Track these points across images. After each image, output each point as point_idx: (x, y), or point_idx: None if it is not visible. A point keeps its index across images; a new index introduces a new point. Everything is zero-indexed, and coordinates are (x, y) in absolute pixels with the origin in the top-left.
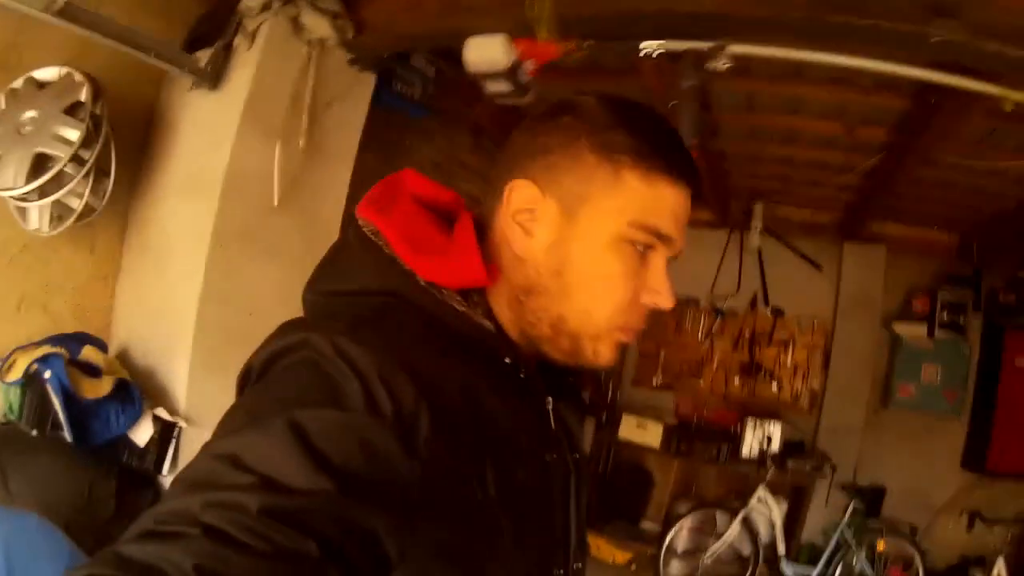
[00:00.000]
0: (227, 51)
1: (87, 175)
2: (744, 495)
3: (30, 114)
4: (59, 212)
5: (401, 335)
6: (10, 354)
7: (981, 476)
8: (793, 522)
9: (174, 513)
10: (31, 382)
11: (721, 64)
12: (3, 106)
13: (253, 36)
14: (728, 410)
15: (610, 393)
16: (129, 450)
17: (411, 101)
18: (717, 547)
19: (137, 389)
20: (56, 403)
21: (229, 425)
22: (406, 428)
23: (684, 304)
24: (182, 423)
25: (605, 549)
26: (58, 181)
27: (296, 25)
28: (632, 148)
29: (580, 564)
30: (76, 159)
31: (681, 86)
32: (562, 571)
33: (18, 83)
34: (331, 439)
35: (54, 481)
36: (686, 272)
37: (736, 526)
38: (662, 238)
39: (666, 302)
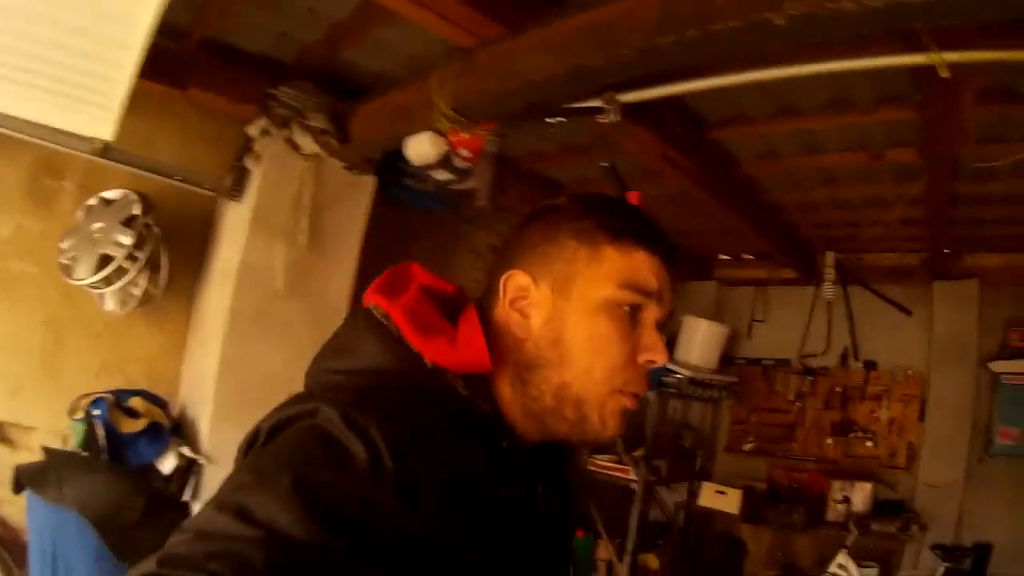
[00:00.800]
0: (243, 171)
1: (142, 269)
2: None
3: (98, 224)
4: (124, 298)
5: (405, 409)
6: (79, 399)
7: None
8: None
9: (179, 559)
10: (86, 418)
11: (611, 117)
12: (83, 217)
13: (258, 157)
14: (820, 473)
15: (698, 461)
16: (159, 476)
17: (425, 195)
18: None
19: (167, 430)
20: (100, 433)
21: (236, 481)
22: (409, 493)
23: (774, 367)
24: (202, 460)
25: None
26: (120, 274)
27: (292, 144)
28: (605, 228)
29: None
30: (131, 257)
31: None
32: None
33: (93, 201)
34: (336, 498)
35: (95, 492)
36: (774, 334)
37: None
38: (648, 295)
39: (660, 357)
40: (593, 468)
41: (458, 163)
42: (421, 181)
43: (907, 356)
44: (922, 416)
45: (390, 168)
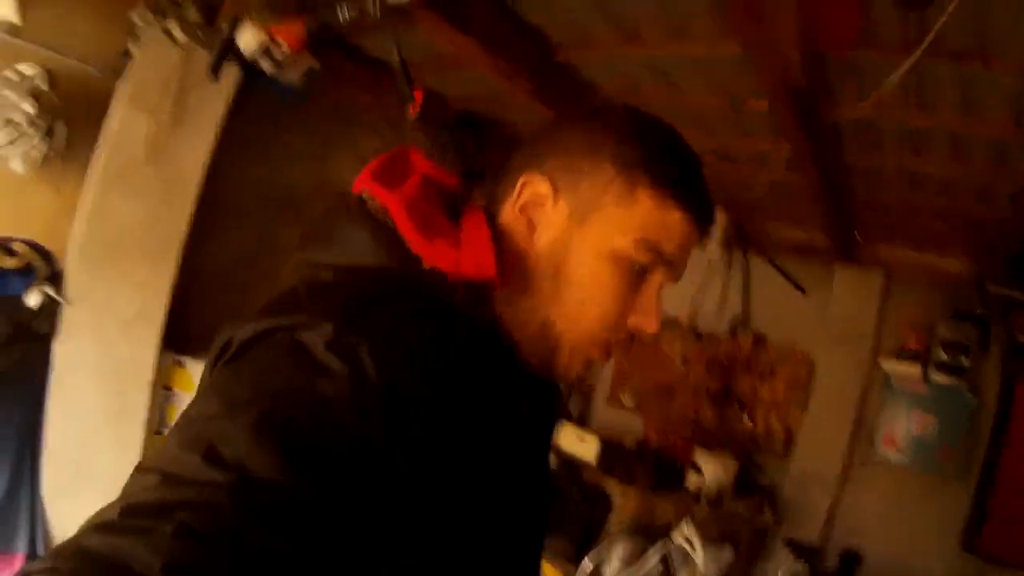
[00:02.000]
0: (128, 55)
1: (45, 135)
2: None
3: (7, 93)
4: (26, 159)
5: (398, 325)
6: None
7: (983, 562)
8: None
9: (143, 506)
10: None
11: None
12: None
13: (137, 41)
14: (690, 440)
15: (579, 409)
16: (27, 311)
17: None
18: None
19: (39, 270)
20: None
21: (204, 409)
22: (397, 424)
23: (663, 324)
24: (60, 300)
25: (548, 570)
26: (22, 138)
27: (167, 32)
28: (651, 168)
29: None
30: (33, 124)
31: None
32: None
33: (7, 73)
34: (313, 435)
35: None
36: (666, 290)
37: (651, 561)
38: (664, 262)
39: (651, 326)
40: None
41: (277, 55)
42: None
43: (799, 337)
44: (806, 404)
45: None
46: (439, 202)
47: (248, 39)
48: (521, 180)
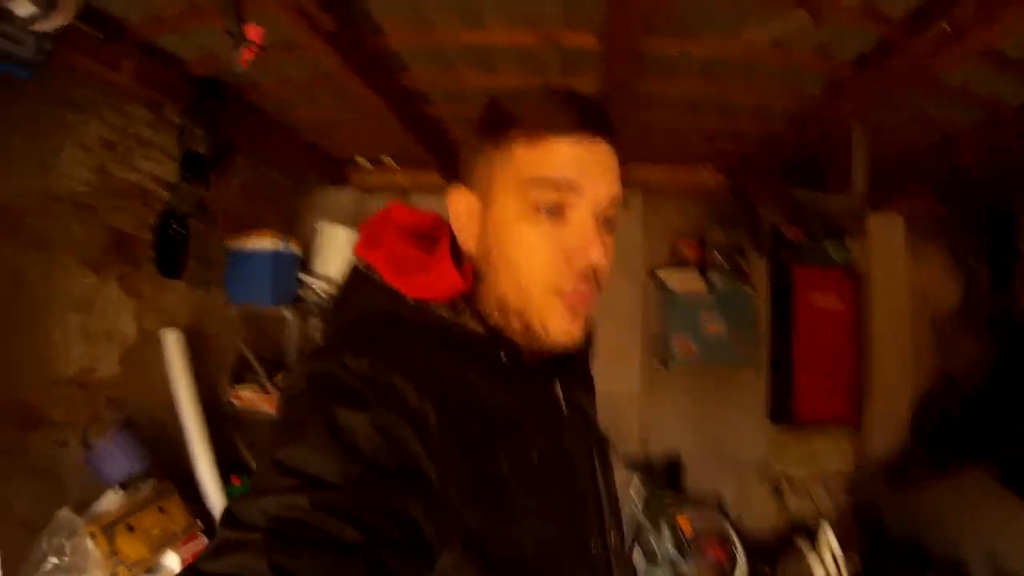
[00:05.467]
0: None
1: None
2: None
3: None
4: None
5: (399, 347)
6: None
7: (790, 428)
8: None
9: (237, 524)
10: None
11: None
12: None
13: None
14: None
15: None
16: None
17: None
18: None
19: None
20: None
21: (274, 443)
22: (417, 420)
23: None
24: None
25: None
26: None
27: None
28: (514, 121)
29: (616, 534)
30: None
31: None
32: (600, 540)
33: None
34: (357, 434)
35: None
36: None
37: None
38: (563, 187)
39: (594, 255)
40: (236, 401)
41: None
42: (15, 42)
43: None
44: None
45: None
46: (415, 243)
47: None
48: (447, 200)
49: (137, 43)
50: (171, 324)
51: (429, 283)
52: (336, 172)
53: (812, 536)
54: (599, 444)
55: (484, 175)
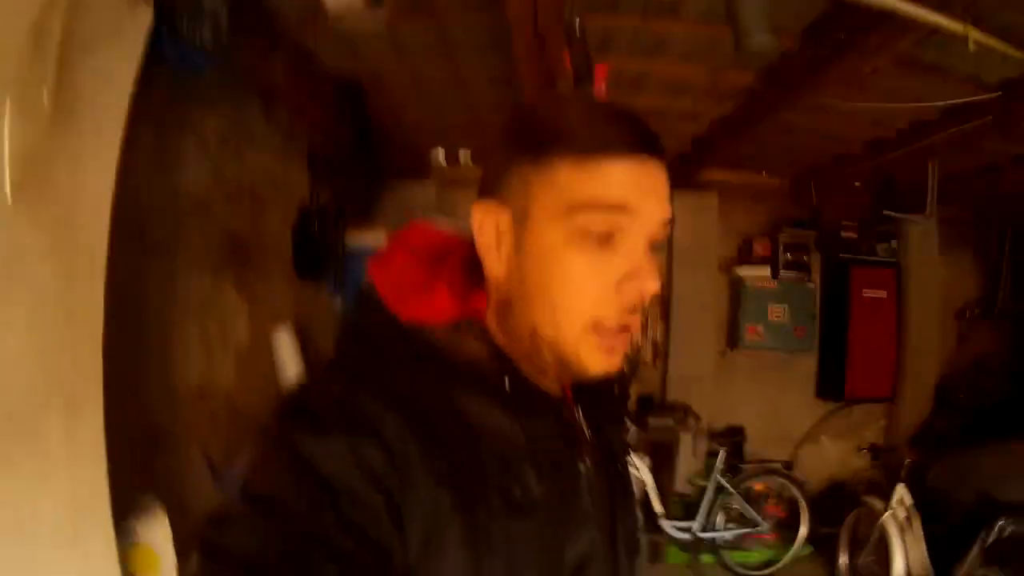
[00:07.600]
0: None
1: None
2: None
3: None
4: None
5: (389, 374)
6: None
7: (837, 403)
8: (659, 478)
9: (214, 556)
10: None
11: None
12: None
13: None
14: None
15: None
16: None
17: (199, 49)
18: None
19: None
20: None
21: (245, 467)
22: (396, 455)
23: None
24: None
25: None
26: None
27: None
28: (559, 139)
29: (630, 569)
30: None
31: None
32: (610, 567)
33: None
34: (328, 463)
35: None
36: None
37: None
38: (616, 212)
39: (648, 284)
40: None
41: None
42: (198, 27)
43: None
44: (665, 315)
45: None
46: (423, 263)
47: None
48: (472, 216)
49: (288, 43)
50: (280, 323)
51: (423, 305)
52: (418, 166)
53: (883, 496)
54: (618, 474)
55: (519, 192)
